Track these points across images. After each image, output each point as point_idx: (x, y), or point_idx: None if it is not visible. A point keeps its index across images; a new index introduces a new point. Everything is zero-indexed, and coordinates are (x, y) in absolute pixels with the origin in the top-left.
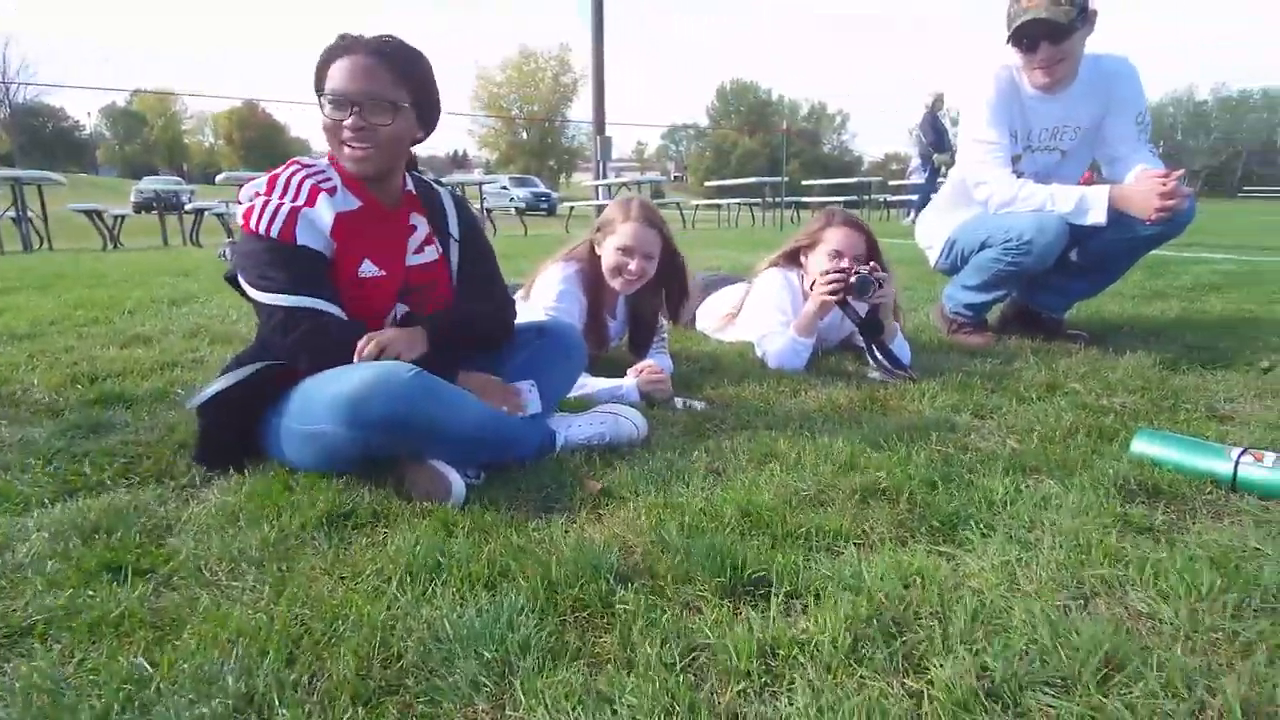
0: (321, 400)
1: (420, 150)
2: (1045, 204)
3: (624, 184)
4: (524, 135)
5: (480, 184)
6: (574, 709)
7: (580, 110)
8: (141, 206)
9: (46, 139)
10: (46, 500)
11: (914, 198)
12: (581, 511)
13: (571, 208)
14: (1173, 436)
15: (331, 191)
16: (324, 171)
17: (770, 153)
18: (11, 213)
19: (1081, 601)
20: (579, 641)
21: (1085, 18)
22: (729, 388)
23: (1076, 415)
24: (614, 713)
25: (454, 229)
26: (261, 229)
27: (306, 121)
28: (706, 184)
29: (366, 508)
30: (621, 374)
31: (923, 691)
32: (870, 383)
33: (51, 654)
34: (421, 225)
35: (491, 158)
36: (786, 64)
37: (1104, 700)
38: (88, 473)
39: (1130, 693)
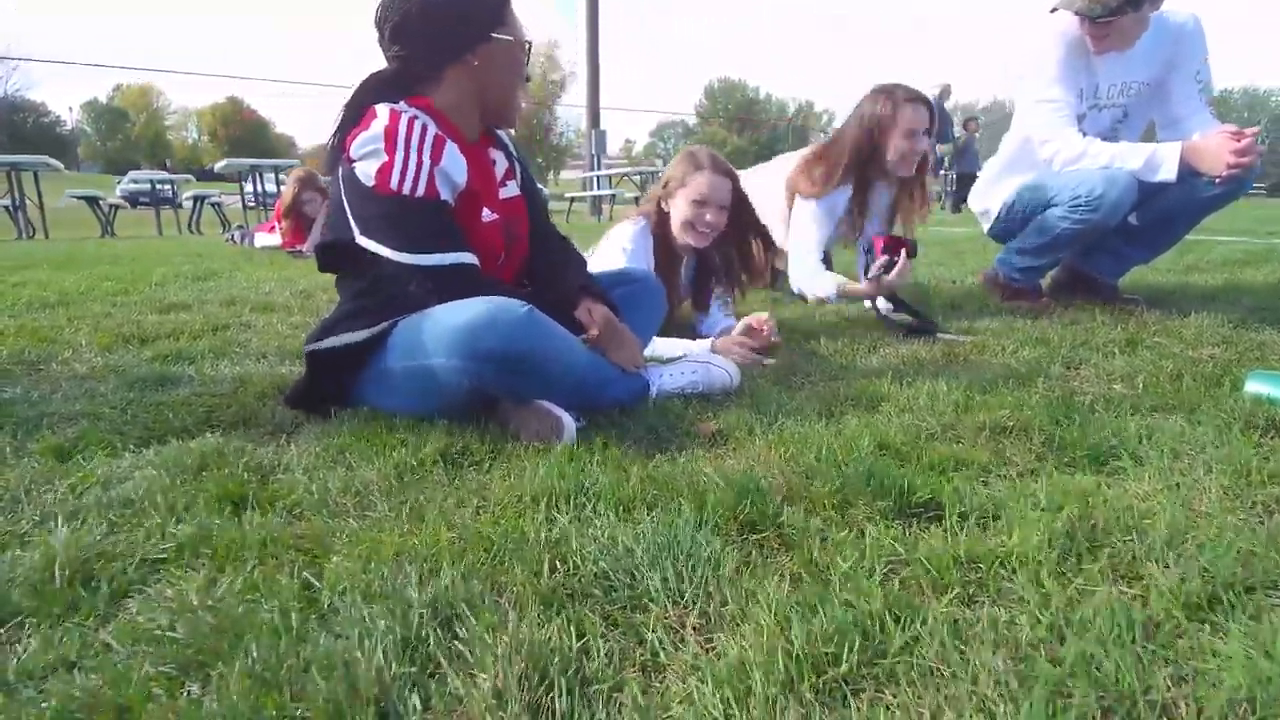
0: (435, 334)
1: None
2: (1114, 160)
3: (623, 174)
4: (513, 132)
5: None
6: (789, 612)
7: (570, 107)
8: (128, 201)
9: (28, 134)
10: (135, 445)
11: None
12: (698, 450)
13: (571, 200)
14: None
15: (439, 137)
16: (420, 117)
17: (758, 150)
18: (7, 201)
19: (1263, 519)
20: (761, 558)
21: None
22: (800, 346)
23: (1174, 363)
24: (836, 614)
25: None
26: (406, 190)
27: (289, 118)
28: None
29: (479, 447)
30: (685, 334)
31: (1147, 596)
32: (943, 342)
33: (198, 577)
34: (499, 159)
35: None
36: (774, 63)
37: None
38: (171, 419)
39: None
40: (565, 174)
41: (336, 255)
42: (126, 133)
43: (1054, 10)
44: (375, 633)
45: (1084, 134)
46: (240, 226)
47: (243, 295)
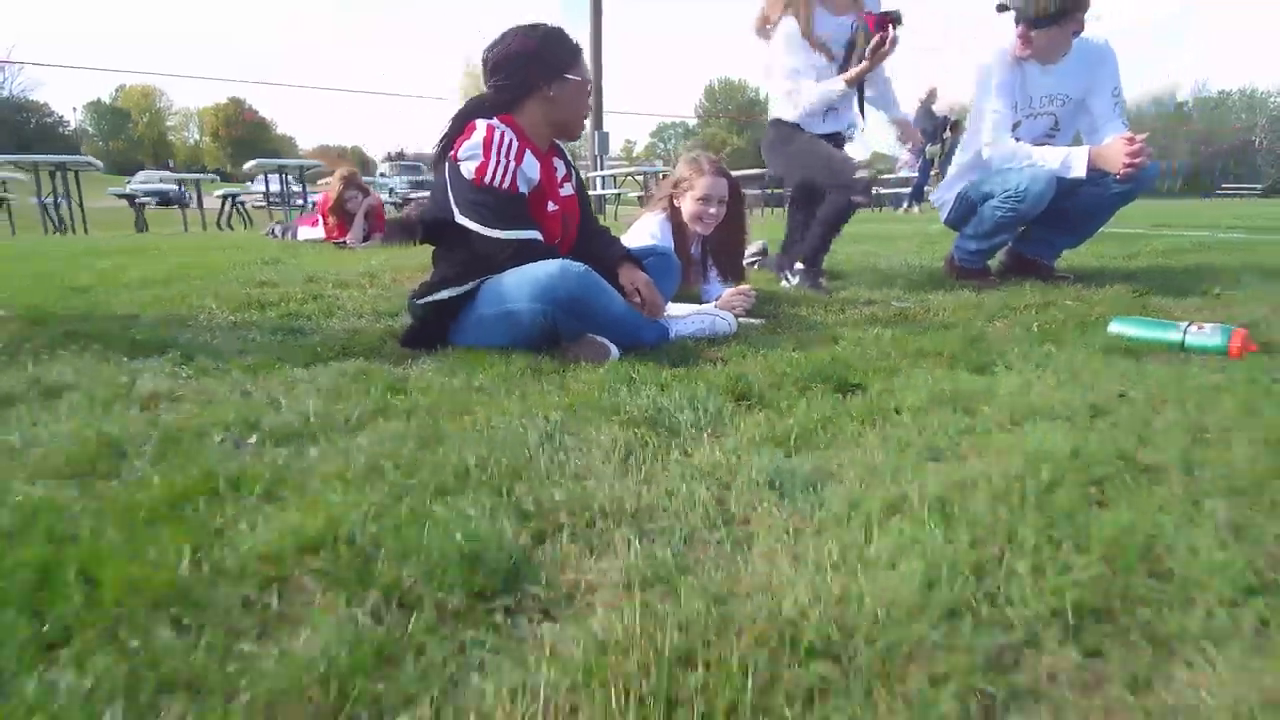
0: (519, 285)
1: (409, 146)
2: (1038, 161)
3: (627, 174)
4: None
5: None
6: (761, 428)
7: None
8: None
9: (30, 135)
10: (302, 366)
11: (905, 190)
12: (706, 365)
13: None
14: (1141, 319)
15: (513, 147)
16: (508, 131)
17: (758, 150)
18: (48, 199)
19: (1074, 394)
20: (745, 409)
21: (1068, 19)
22: (777, 309)
23: (1068, 315)
24: (789, 426)
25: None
26: (495, 183)
27: (290, 119)
28: None
29: (550, 365)
30: (694, 303)
31: (975, 415)
32: (894, 308)
33: (412, 423)
34: (559, 165)
35: None
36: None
37: (1091, 424)
38: (318, 352)
39: (1115, 420)
40: None
41: (437, 230)
42: (129, 133)
43: (1000, 8)
44: (528, 430)
45: (1018, 139)
46: (279, 222)
47: (317, 275)
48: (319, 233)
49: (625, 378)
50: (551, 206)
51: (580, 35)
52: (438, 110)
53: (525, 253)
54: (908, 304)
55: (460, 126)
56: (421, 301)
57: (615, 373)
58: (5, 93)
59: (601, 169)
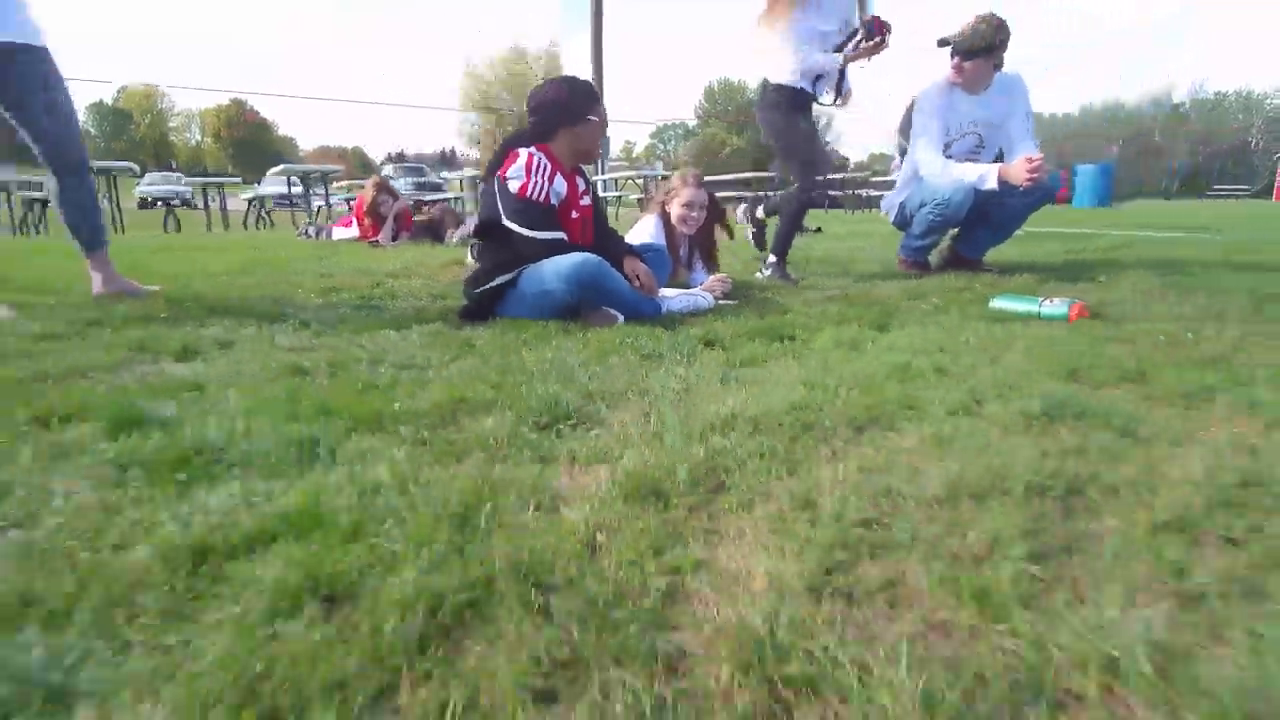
0: (554, 272)
1: (410, 148)
2: (959, 176)
3: (627, 177)
4: (512, 130)
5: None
6: (717, 358)
7: None
8: (146, 204)
9: None
10: (391, 330)
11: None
12: (690, 328)
13: None
14: (1014, 295)
15: (548, 169)
16: (549, 161)
17: (757, 152)
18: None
19: (948, 337)
20: (712, 352)
21: (992, 54)
22: (747, 292)
23: (974, 295)
24: (734, 356)
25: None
26: (533, 197)
27: (292, 119)
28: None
29: (575, 328)
30: (684, 288)
31: (862, 349)
32: (835, 292)
33: (490, 358)
34: (580, 182)
35: (481, 156)
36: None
37: (930, 353)
38: (401, 319)
39: (948, 353)
40: None
41: (488, 229)
42: (131, 134)
43: (941, 43)
44: (569, 357)
45: (951, 155)
46: (311, 223)
47: (368, 268)
48: (353, 232)
49: (628, 332)
50: (574, 214)
51: (580, 38)
52: (436, 112)
53: (555, 249)
54: (855, 290)
55: (506, 152)
56: (479, 290)
57: (621, 332)
58: None
59: (603, 172)
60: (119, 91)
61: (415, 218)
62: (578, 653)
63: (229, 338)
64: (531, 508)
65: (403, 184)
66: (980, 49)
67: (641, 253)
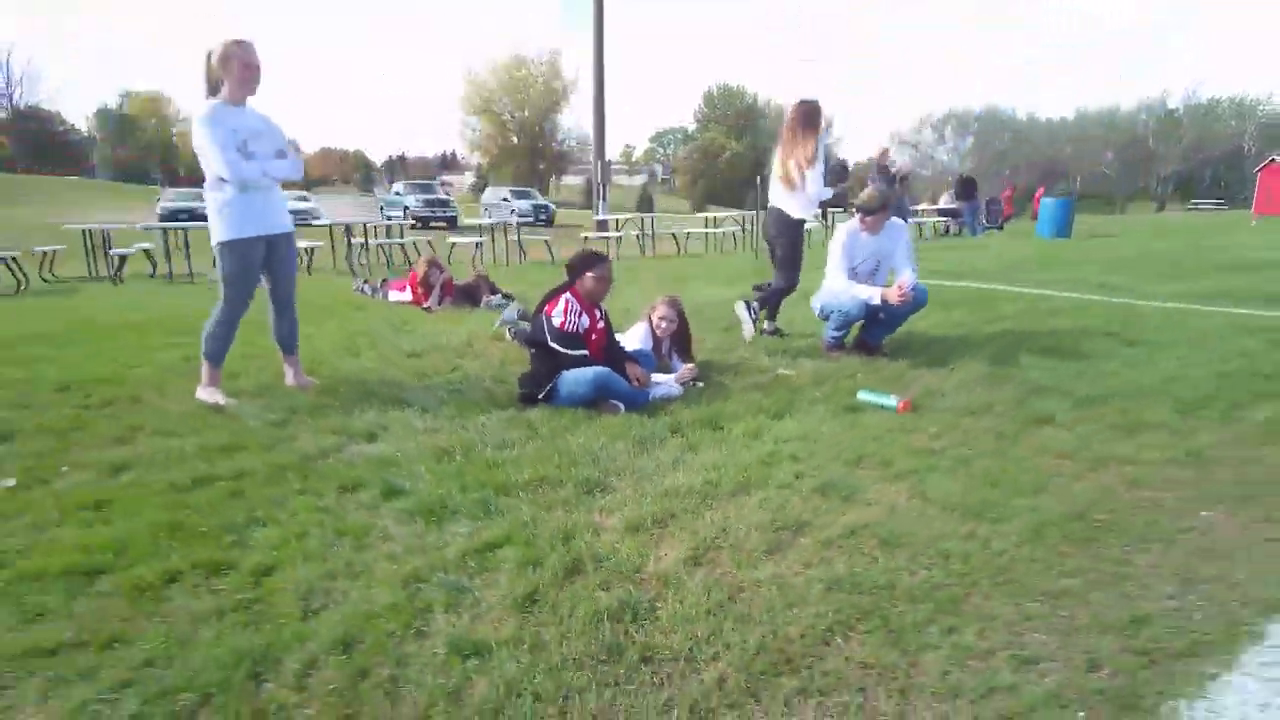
0: (582, 379)
1: (411, 151)
2: (857, 294)
3: (626, 218)
4: (515, 140)
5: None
6: (701, 443)
7: (571, 114)
8: (167, 218)
9: (44, 143)
10: (484, 414)
11: None
12: (664, 414)
13: (585, 236)
14: (873, 390)
15: (579, 309)
16: (572, 300)
17: (757, 156)
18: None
19: (810, 425)
20: (695, 431)
21: (884, 211)
22: (710, 377)
23: (854, 381)
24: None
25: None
26: (567, 329)
27: (293, 122)
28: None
29: (593, 414)
30: (665, 372)
31: (763, 440)
32: (763, 379)
33: (545, 434)
34: (598, 314)
35: (482, 161)
36: (772, 69)
37: (798, 440)
38: (483, 401)
39: (810, 438)
40: (566, 179)
41: (536, 344)
42: (137, 140)
43: (855, 208)
44: (594, 440)
45: (856, 275)
46: (367, 281)
47: (438, 343)
48: (407, 296)
49: (627, 422)
50: (594, 337)
51: (583, 38)
52: (436, 114)
53: (581, 362)
54: (790, 371)
55: (551, 295)
56: (537, 394)
57: (622, 420)
58: (16, 101)
59: (603, 201)
60: (123, 97)
61: (455, 282)
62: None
63: (382, 422)
64: (588, 533)
65: (413, 201)
66: (876, 208)
67: (636, 357)
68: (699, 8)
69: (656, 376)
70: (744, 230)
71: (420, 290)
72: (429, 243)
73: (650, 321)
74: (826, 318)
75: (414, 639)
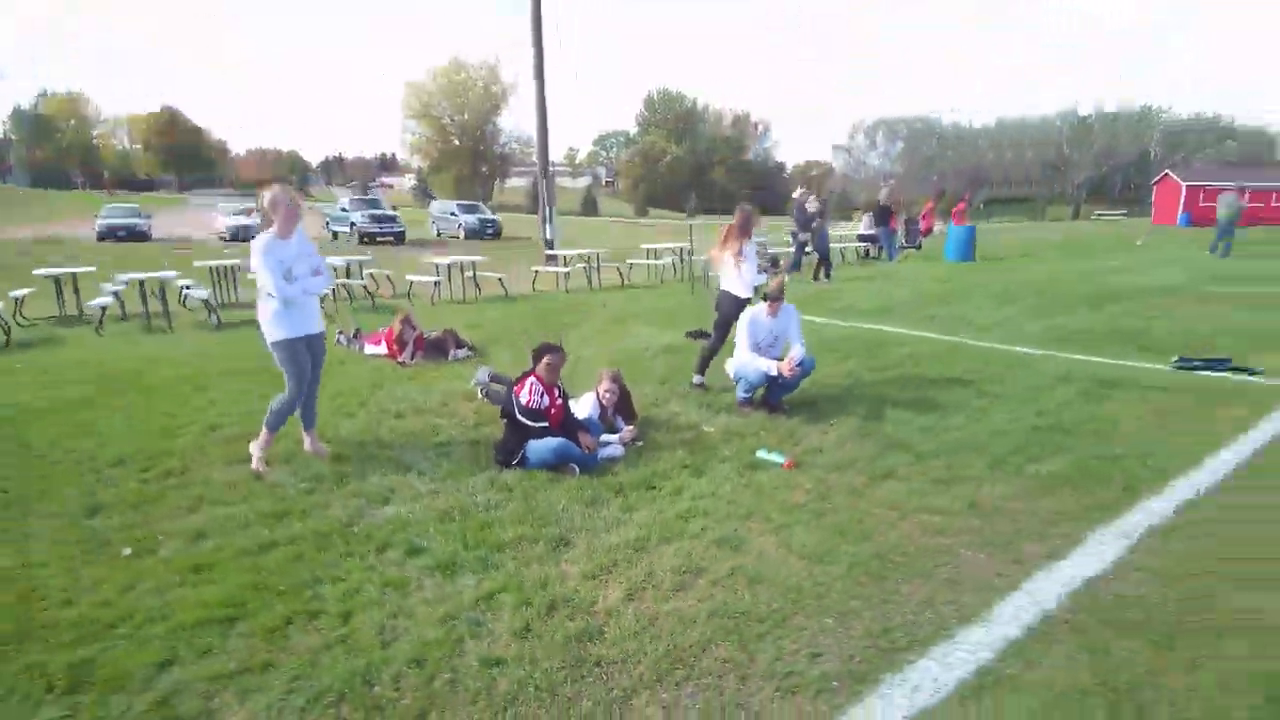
0: (546, 447)
1: (349, 152)
2: (759, 366)
3: (579, 259)
4: (456, 142)
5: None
6: (651, 495)
7: (511, 117)
8: (105, 235)
9: None
10: (470, 476)
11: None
12: (610, 475)
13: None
14: (769, 449)
15: (541, 390)
16: (537, 382)
17: (696, 160)
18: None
19: (711, 486)
20: (641, 491)
21: (780, 299)
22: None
23: (757, 439)
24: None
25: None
26: (533, 406)
27: (225, 123)
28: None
29: (554, 476)
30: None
31: (683, 497)
32: (690, 435)
33: (519, 493)
34: (557, 391)
35: (423, 164)
36: (712, 74)
37: (705, 498)
38: (467, 460)
39: (711, 502)
40: (512, 181)
41: (507, 415)
42: (56, 142)
43: (764, 296)
44: (560, 497)
45: (759, 350)
46: (342, 331)
47: (418, 404)
48: (382, 350)
49: (582, 484)
50: (553, 411)
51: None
52: (374, 116)
53: (544, 433)
54: (710, 428)
55: (519, 379)
56: (511, 460)
57: (579, 481)
58: None
59: (549, 220)
60: (38, 97)
61: (426, 337)
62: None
63: (390, 485)
64: (558, 582)
65: (359, 217)
66: (777, 296)
67: (587, 425)
68: (645, 9)
69: (605, 437)
70: (681, 260)
71: (395, 346)
72: (388, 277)
73: (598, 393)
74: (738, 381)
75: (457, 656)
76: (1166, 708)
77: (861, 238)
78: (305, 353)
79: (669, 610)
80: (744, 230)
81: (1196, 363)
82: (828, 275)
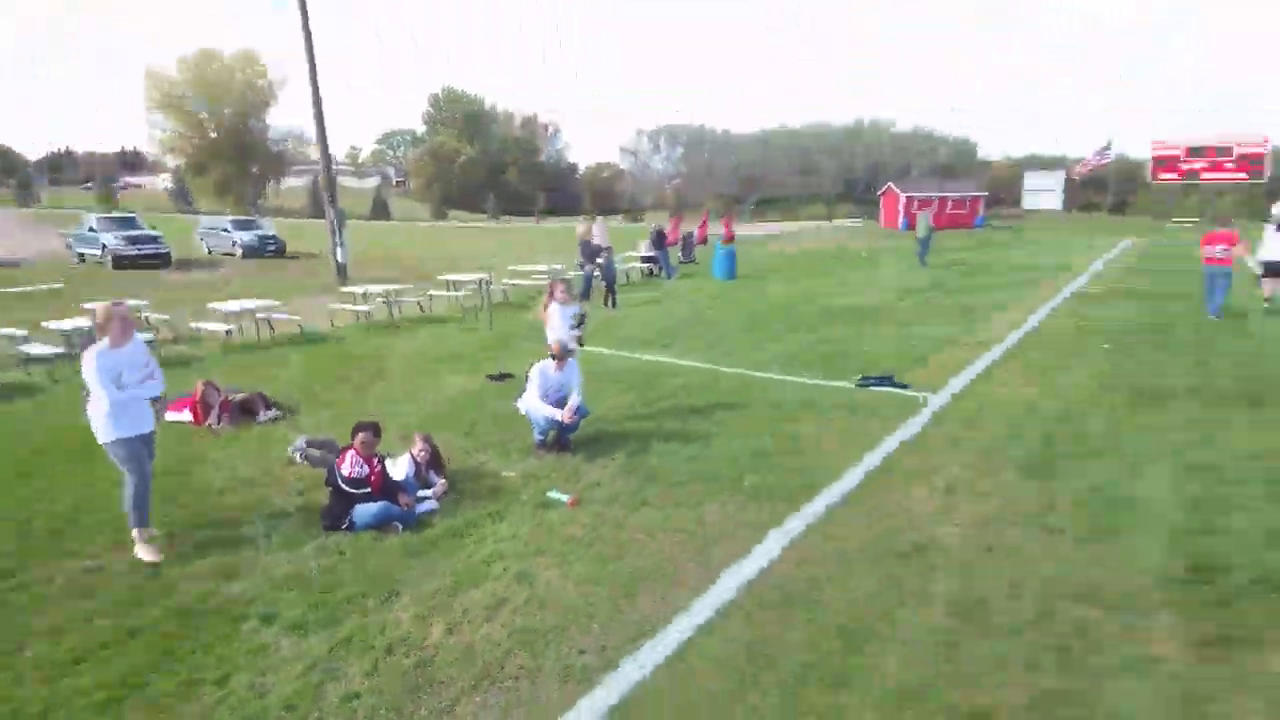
0: (369, 512)
1: (80, 147)
2: (547, 414)
3: (378, 295)
4: (215, 138)
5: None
6: (478, 543)
7: (280, 113)
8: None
9: None
10: (308, 543)
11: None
12: (436, 524)
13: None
14: (558, 489)
15: (360, 461)
16: (356, 455)
17: (489, 160)
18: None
19: (518, 530)
20: (463, 531)
21: (569, 356)
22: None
23: (549, 480)
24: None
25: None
26: (354, 476)
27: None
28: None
29: (378, 536)
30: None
31: (465, 542)
32: (495, 482)
33: (351, 555)
34: (375, 459)
35: (180, 162)
36: (501, 74)
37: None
38: (300, 534)
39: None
40: (289, 181)
41: (331, 485)
42: None
43: (556, 353)
44: (387, 556)
45: (545, 397)
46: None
47: (241, 476)
48: (187, 416)
49: (406, 542)
50: (373, 478)
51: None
52: (110, 109)
53: (367, 498)
54: (512, 473)
55: (340, 452)
56: (339, 525)
57: (403, 539)
58: None
59: (340, 244)
60: None
61: (231, 399)
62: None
63: (231, 563)
64: (393, 627)
65: (111, 239)
66: (562, 356)
67: (404, 485)
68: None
69: (421, 493)
70: (485, 292)
71: (200, 410)
72: (169, 322)
73: (412, 454)
74: (533, 425)
75: (321, 698)
76: (796, 657)
77: (644, 259)
78: (142, 448)
79: (481, 636)
80: (551, 295)
81: (871, 380)
82: (613, 304)
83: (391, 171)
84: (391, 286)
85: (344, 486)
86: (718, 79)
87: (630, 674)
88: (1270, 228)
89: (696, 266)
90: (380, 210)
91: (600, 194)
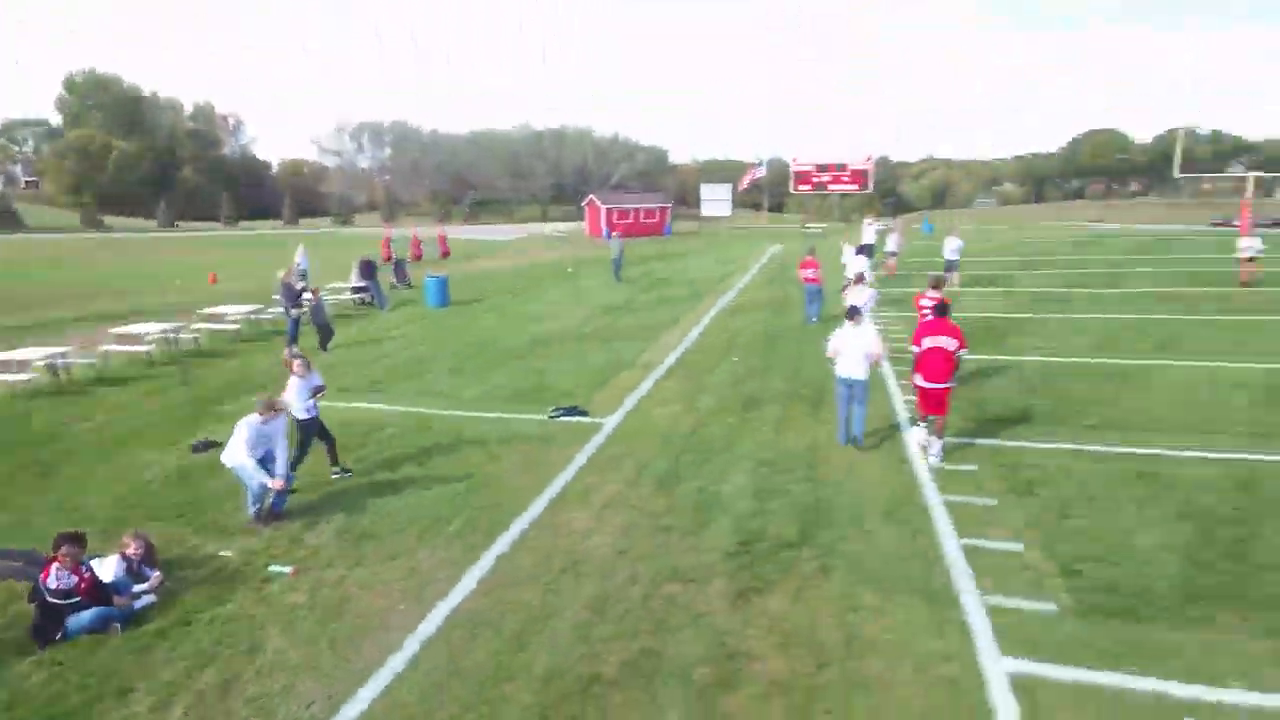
0: (84, 619)
1: None
2: (262, 480)
3: (40, 361)
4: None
5: None
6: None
7: None
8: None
9: None
10: (10, 664)
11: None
12: (156, 616)
13: None
14: (279, 561)
15: (66, 572)
16: (59, 567)
17: (155, 157)
18: None
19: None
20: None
21: (274, 408)
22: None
23: (267, 556)
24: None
25: None
26: (61, 588)
27: None
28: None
29: (101, 636)
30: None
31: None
32: (231, 553)
33: (76, 665)
34: (82, 568)
35: None
36: (160, 58)
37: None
38: (2, 659)
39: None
40: None
41: (36, 601)
42: None
43: (263, 406)
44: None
45: (251, 452)
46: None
47: None
48: None
49: (126, 637)
50: (83, 586)
51: None
52: None
53: (79, 606)
54: (229, 553)
55: (43, 566)
56: (52, 638)
57: (125, 636)
58: None
59: None
60: None
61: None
62: None
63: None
64: (134, 718)
65: None
66: (271, 411)
67: (118, 586)
68: None
69: (138, 588)
70: (171, 343)
71: None
72: None
73: (123, 554)
74: (247, 491)
75: None
76: (481, 667)
77: (354, 289)
78: None
79: (217, 711)
80: (291, 370)
81: (561, 411)
82: (325, 347)
83: (18, 170)
84: (55, 350)
85: (51, 599)
86: (420, 78)
87: (350, 714)
88: (849, 248)
89: (411, 291)
90: (7, 219)
91: (302, 193)
